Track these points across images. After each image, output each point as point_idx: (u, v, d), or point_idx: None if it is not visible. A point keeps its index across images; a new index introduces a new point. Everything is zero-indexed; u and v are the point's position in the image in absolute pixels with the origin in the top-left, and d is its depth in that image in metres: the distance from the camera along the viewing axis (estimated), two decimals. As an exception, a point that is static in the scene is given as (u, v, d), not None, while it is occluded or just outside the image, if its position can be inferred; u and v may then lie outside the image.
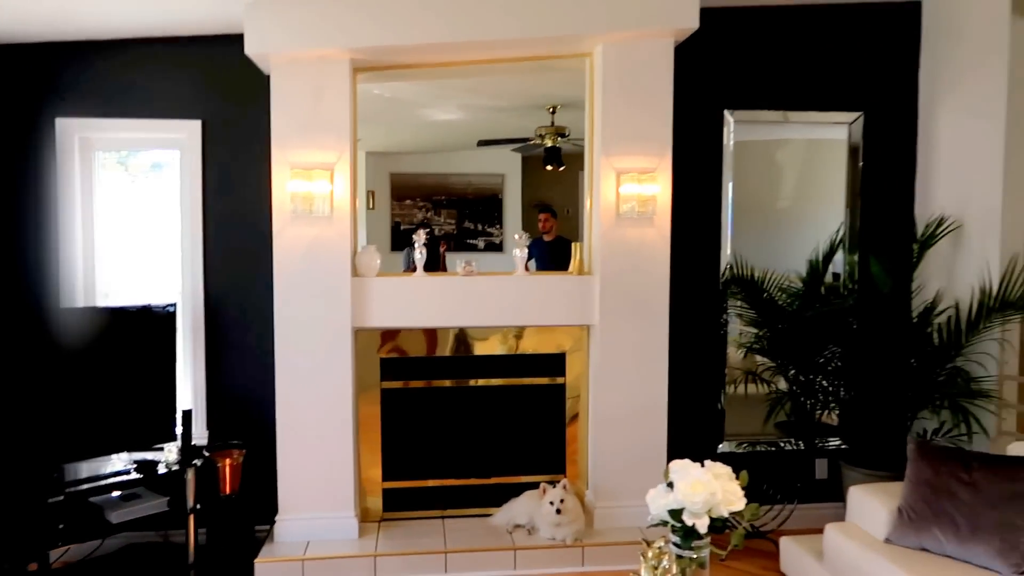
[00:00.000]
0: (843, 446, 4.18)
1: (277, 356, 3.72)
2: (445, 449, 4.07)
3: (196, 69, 3.93)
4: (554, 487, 3.67)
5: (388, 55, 3.83)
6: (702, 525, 1.91)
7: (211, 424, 4.00)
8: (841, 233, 4.19)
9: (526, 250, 3.98)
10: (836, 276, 4.23)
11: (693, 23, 3.63)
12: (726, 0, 3.89)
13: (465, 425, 4.08)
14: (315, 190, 3.67)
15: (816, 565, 3.18)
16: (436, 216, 5.22)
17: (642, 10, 3.64)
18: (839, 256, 4.18)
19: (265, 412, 3.87)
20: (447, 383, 4.04)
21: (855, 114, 4.13)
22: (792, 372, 4.04)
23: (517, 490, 3.96)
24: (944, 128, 3.99)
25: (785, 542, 3.47)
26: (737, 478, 2.05)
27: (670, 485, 2.04)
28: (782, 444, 4.24)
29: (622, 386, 3.87)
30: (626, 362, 3.86)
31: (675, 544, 2.02)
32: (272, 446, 3.78)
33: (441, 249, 4.25)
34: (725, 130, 4.07)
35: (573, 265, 3.98)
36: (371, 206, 4.25)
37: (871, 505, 3.06)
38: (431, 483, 4.06)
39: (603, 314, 3.84)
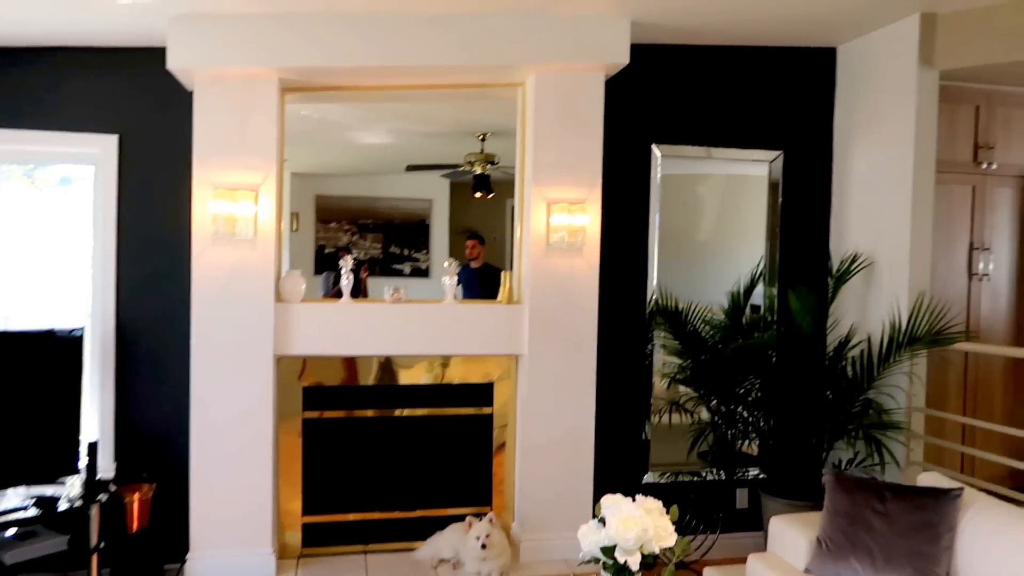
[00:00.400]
0: (763, 476, 4.27)
1: (193, 384, 3.56)
2: (369, 481, 3.96)
3: (114, 81, 3.76)
4: (480, 520, 3.61)
5: (319, 76, 3.76)
6: (634, 562, 1.90)
7: (120, 456, 3.78)
8: (761, 267, 4.32)
9: (456, 278, 3.94)
10: (757, 308, 4.35)
11: (624, 58, 3.71)
12: (655, 37, 3.99)
13: (390, 456, 3.98)
14: (239, 212, 3.55)
15: (738, 595, 3.22)
16: (362, 240, 5.13)
17: (575, 43, 3.69)
18: (760, 289, 4.30)
19: (179, 443, 3.68)
20: (372, 413, 3.95)
21: (775, 152, 4.28)
22: (714, 402, 4.12)
23: (443, 523, 3.88)
24: (857, 169, 4.18)
25: (709, 572, 3.50)
26: (667, 513, 2.05)
27: (602, 521, 2.02)
28: (704, 474, 4.30)
29: (550, 416, 3.86)
30: (554, 392, 3.85)
31: (606, 581, 2.00)
32: (185, 479, 3.60)
33: (363, 275, 4.17)
34: (653, 164, 4.16)
35: (503, 294, 3.96)
36: (295, 228, 4.14)
37: (791, 535, 3.12)
38: (354, 517, 3.94)
39: (532, 344, 3.83)
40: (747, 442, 4.22)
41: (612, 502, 2.02)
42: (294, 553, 3.84)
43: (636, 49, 3.82)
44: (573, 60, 3.72)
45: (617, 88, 3.97)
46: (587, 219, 3.80)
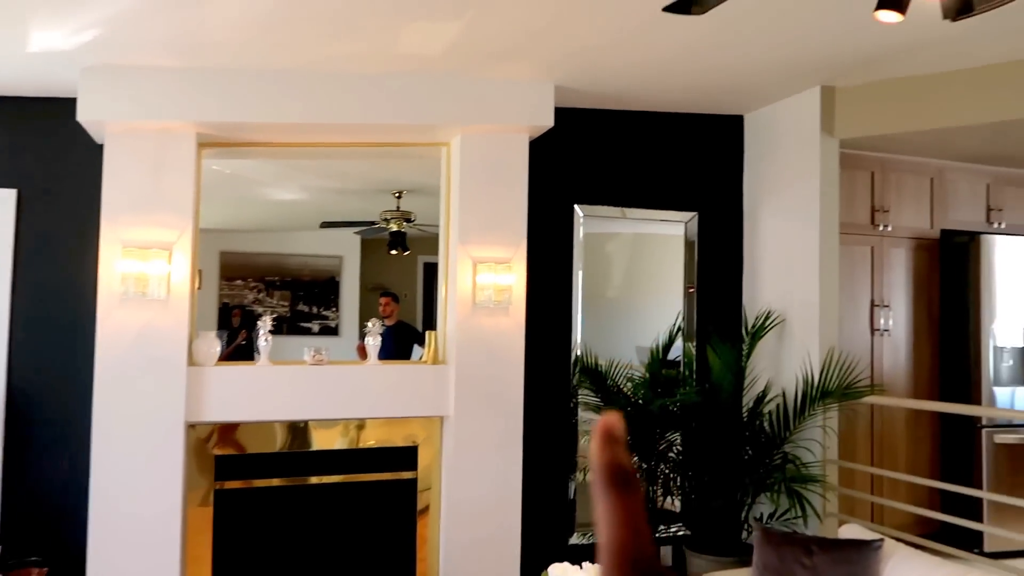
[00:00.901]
0: (686, 533, 4.31)
1: (94, 455, 3.30)
2: (287, 554, 3.75)
3: (14, 133, 3.55)
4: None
5: (239, 132, 3.67)
6: (586, 635, 1.85)
7: (7, 536, 3.44)
8: (679, 323, 4.43)
9: (379, 338, 3.85)
10: (678, 364, 4.44)
11: (548, 121, 3.79)
12: (578, 102, 4.10)
13: (309, 527, 3.79)
14: (150, 271, 3.37)
15: (672, 657, 3.19)
16: (269, 297, 4.99)
17: (502, 106, 3.75)
18: (679, 345, 4.40)
19: (76, 521, 3.39)
20: (289, 481, 3.76)
21: (690, 213, 4.44)
22: (635, 460, 4.15)
23: (364, 595, 3.71)
24: (766, 230, 4.38)
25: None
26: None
27: (549, 592, 1.96)
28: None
29: (477, 478, 3.78)
30: (481, 453, 3.79)
31: (555, 655, 1.94)
32: (82, 562, 3.30)
33: (240, 338, 4.03)
34: (575, 223, 4.23)
35: (428, 354, 3.90)
36: (199, 286, 3.98)
37: (722, 593, 3.14)
38: (269, 592, 3.71)
39: (458, 405, 3.77)
40: (670, 499, 4.26)
41: (561, 571, 1.97)
42: (203, 636, 3.56)
43: (560, 112, 3.91)
44: (500, 122, 3.77)
45: (541, 149, 4.04)
46: (513, 278, 3.82)
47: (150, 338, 3.38)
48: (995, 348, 4.46)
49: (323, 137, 3.90)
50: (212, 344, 3.55)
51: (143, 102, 3.37)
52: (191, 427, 3.51)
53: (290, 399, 3.60)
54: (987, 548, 4.21)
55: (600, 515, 0.39)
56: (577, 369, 4.21)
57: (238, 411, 3.54)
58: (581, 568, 2.01)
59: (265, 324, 3.68)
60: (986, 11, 1.81)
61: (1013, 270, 4.58)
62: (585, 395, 4.21)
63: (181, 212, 3.47)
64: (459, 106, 3.72)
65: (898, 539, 3.12)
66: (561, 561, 2.32)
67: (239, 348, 4.06)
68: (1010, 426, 4.53)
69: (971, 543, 4.24)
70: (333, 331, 5.14)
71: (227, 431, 3.61)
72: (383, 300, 4.56)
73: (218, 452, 3.60)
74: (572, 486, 4.21)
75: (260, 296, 4.86)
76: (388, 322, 4.23)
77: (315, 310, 4.89)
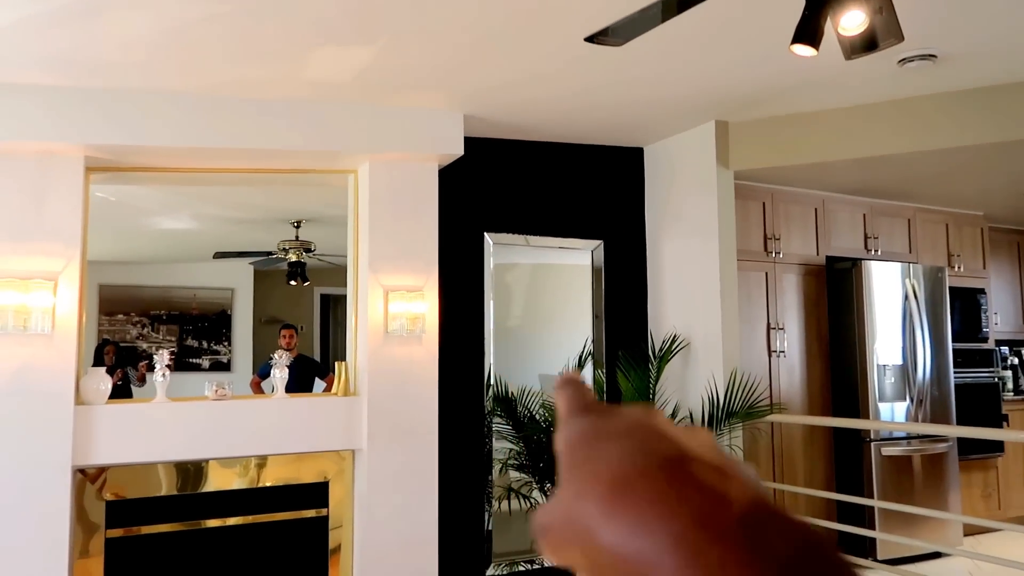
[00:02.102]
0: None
1: (-35, 508, 2.98)
2: (185, 605, 3.49)
3: None
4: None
5: (130, 155, 3.47)
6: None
7: None
8: (588, 348, 4.49)
9: (286, 370, 3.70)
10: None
11: (458, 150, 3.80)
12: (487, 132, 4.14)
13: (214, 572, 3.54)
14: (32, 303, 3.11)
15: None
16: (154, 332, 4.74)
17: (412, 135, 3.73)
18: (588, 370, 4.46)
19: (-59, 582, 3.03)
20: (190, 525, 3.52)
21: (596, 241, 4.54)
22: (548, 486, 4.15)
23: (271, 644, 3.49)
24: (669, 257, 4.53)
25: (562, 664, 3.42)
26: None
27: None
28: (545, 561, 4.26)
29: (391, 512, 3.66)
30: (395, 486, 3.68)
31: None
32: (-51, 627, 2.96)
33: (115, 377, 3.80)
34: (486, 252, 4.23)
35: (338, 386, 3.77)
36: (77, 322, 3.72)
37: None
38: (166, 649, 3.43)
39: (371, 437, 3.65)
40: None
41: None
42: None
43: (469, 141, 3.93)
44: (409, 150, 3.75)
45: (451, 177, 4.04)
46: (426, 306, 3.76)
47: (32, 375, 3.11)
48: (878, 366, 4.76)
49: (223, 163, 3.75)
50: (102, 381, 3.31)
51: (25, 122, 3.14)
52: (79, 471, 3.24)
53: (191, 437, 3.39)
54: (880, 556, 4.44)
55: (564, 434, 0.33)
56: (490, 396, 4.18)
57: (132, 452, 3.29)
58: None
59: (162, 359, 3.46)
60: (886, 48, 1.96)
61: (888, 293, 4.93)
62: (498, 423, 4.19)
63: (67, 240, 3.23)
64: (368, 134, 3.67)
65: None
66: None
67: (116, 388, 3.80)
68: (893, 439, 4.83)
69: (865, 552, 4.47)
70: (225, 366, 4.91)
71: (119, 474, 3.35)
72: (286, 332, 4.42)
73: (110, 497, 3.33)
74: (488, 517, 4.15)
75: (144, 331, 4.60)
76: (293, 354, 4.10)
77: (205, 345, 4.68)
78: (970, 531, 5.27)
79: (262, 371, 4.23)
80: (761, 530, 0.25)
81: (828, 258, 4.95)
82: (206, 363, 4.61)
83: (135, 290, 4.66)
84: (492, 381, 4.20)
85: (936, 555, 4.82)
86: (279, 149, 3.57)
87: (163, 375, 3.42)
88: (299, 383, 3.97)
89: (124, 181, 3.87)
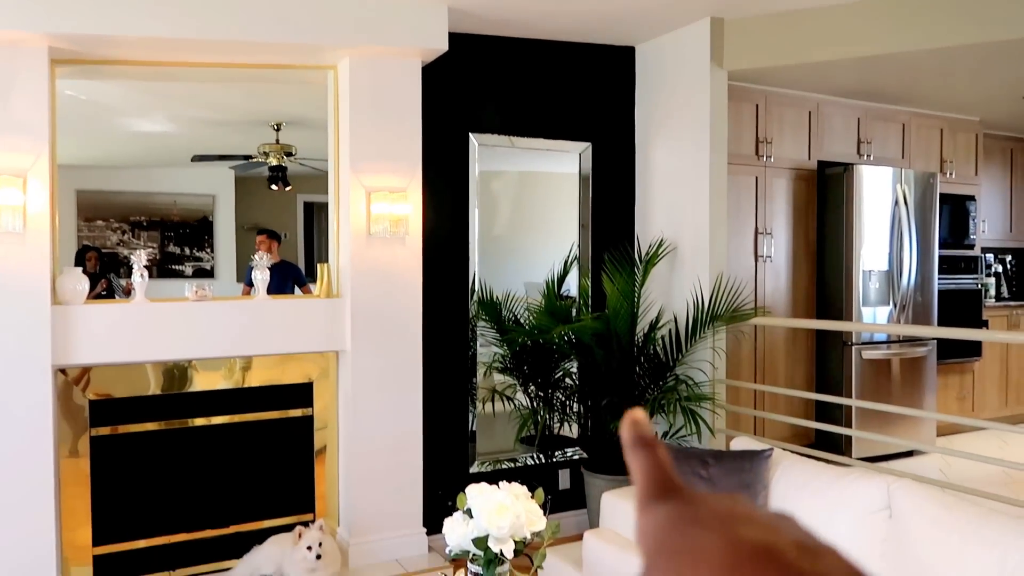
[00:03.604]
0: (583, 456, 4.42)
1: (-53, 406, 2.98)
2: (174, 500, 3.56)
3: None
4: (309, 528, 3.37)
5: (98, 47, 3.31)
6: (508, 550, 1.84)
7: None
8: (573, 254, 4.46)
9: (267, 272, 3.65)
10: (571, 299, 4.49)
11: (442, 44, 3.64)
12: (472, 27, 3.96)
13: (198, 470, 3.60)
14: (1, 200, 3.02)
15: (576, 574, 3.28)
16: (135, 239, 4.68)
17: (392, 27, 3.56)
18: (574, 277, 4.44)
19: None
20: (174, 424, 3.55)
21: (585, 144, 4.43)
22: (532, 388, 4.20)
23: (261, 537, 3.57)
24: (658, 160, 4.44)
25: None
26: (532, 496, 2.02)
27: (468, 512, 1.94)
28: (527, 459, 4.36)
29: (376, 413, 3.70)
30: (380, 388, 3.70)
31: (476, 574, 1.92)
32: (-60, 521, 3.00)
33: (100, 286, 3.74)
34: (470, 153, 4.13)
35: (321, 288, 3.74)
36: (54, 226, 3.64)
37: (624, 509, 3.23)
38: (157, 541, 3.51)
39: (355, 339, 3.65)
40: (566, 424, 4.35)
41: (478, 492, 1.95)
42: (85, 592, 3.35)
43: (454, 38, 3.76)
44: (390, 44, 3.58)
45: (435, 76, 3.89)
46: (409, 208, 3.69)
47: (5, 275, 3.05)
48: (863, 272, 4.77)
49: (196, 57, 3.58)
50: (79, 281, 3.25)
51: (-18, 7, 2.96)
52: (60, 371, 3.23)
53: (172, 338, 3.37)
54: (855, 454, 4.57)
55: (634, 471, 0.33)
56: (475, 301, 4.17)
57: (113, 352, 3.28)
58: (499, 487, 1.99)
59: (140, 259, 3.39)
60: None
61: (879, 198, 4.89)
62: (483, 327, 4.19)
63: (34, 136, 3.11)
64: (346, 25, 3.50)
65: (783, 450, 3.30)
66: (462, 489, 2.29)
67: (100, 298, 3.75)
68: (874, 343, 4.89)
69: (841, 450, 4.59)
70: (208, 273, 4.86)
71: (100, 374, 3.34)
72: (259, 238, 4.33)
73: (92, 397, 3.34)
74: (472, 418, 4.21)
75: (124, 238, 4.53)
76: (271, 259, 4.04)
77: (188, 251, 4.62)
78: (943, 431, 5.43)
79: (248, 277, 4.18)
80: None
81: (820, 163, 4.87)
82: (189, 270, 4.55)
83: (114, 196, 4.55)
84: (477, 286, 4.17)
85: (910, 454, 4.98)
86: (254, 41, 3.40)
87: (141, 276, 3.36)
88: (281, 289, 3.92)
89: (93, 76, 3.70)
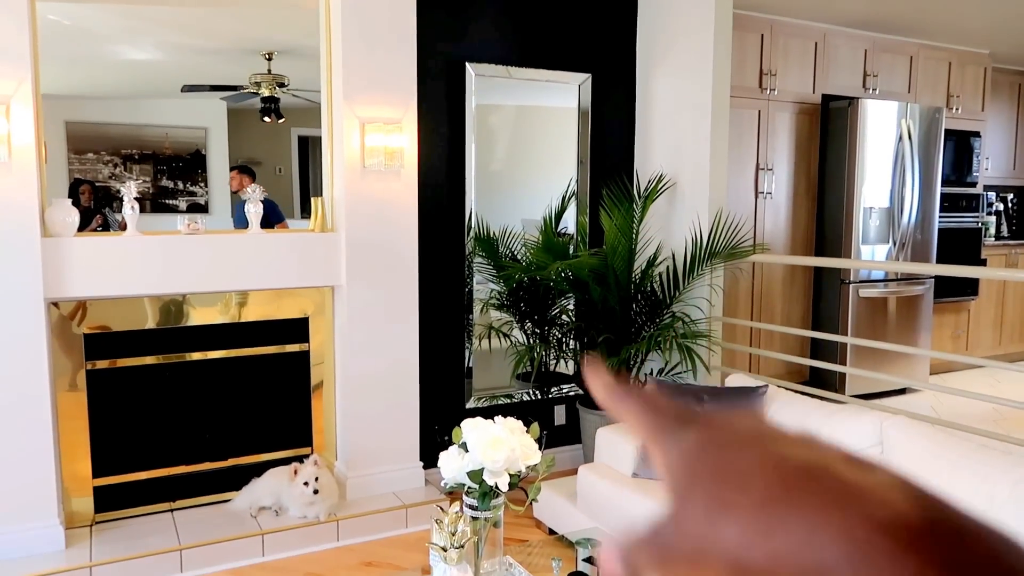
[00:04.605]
0: (579, 392, 4.44)
1: (-61, 339, 2.95)
2: (172, 433, 3.58)
3: None
4: (305, 464, 3.40)
5: (78, -32, 3.17)
6: (503, 483, 1.85)
7: None
8: (571, 190, 4.39)
9: (260, 205, 3.59)
10: (568, 236, 4.44)
11: (437, -33, 3.50)
12: (467, -52, 3.80)
13: (195, 404, 3.61)
14: (-17, 129, 2.93)
15: (570, 507, 3.33)
16: (126, 172, 4.60)
17: (385, -53, 3.41)
18: (572, 213, 4.38)
19: (-75, 411, 3.06)
20: (171, 358, 3.54)
21: (584, 75, 4.31)
22: (528, 325, 4.19)
23: (259, 470, 3.62)
24: (659, 93, 4.33)
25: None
26: (528, 431, 2.02)
27: (463, 446, 1.94)
28: (523, 396, 4.38)
29: (372, 348, 3.69)
30: (375, 323, 3.68)
31: (471, 507, 1.94)
32: (-62, 452, 3.01)
33: (96, 221, 3.67)
34: (467, 83, 4.02)
35: (315, 222, 3.68)
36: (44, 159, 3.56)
37: (618, 444, 3.27)
38: (156, 473, 3.55)
39: (350, 274, 3.62)
40: (562, 361, 4.36)
41: (473, 425, 1.94)
42: (86, 520, 3.39)
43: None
44: (383, -35, 3.44)
45: (430, 2, 3.75)
46: (405, 139, 3.61)
47: (-7, 207, 2.98)
48: (864, 209, 4.72)
49: (181, -21, 3.44)
50: (69, 213, 3.19)
51: (-46, -76, 2.82)
52: (53, 305, 3.20)
53: (164, 272, 3.33)
54: (848, 391, 4.60)
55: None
56: (471, 237, 4.12)
57: (106, 286, 3.24)
58: (494, 421, 1.98)
59: (130, 190, 3.33)
60: None
61: (882, 134, 4.80)
62: (480, 263, 4.16)
63: (15, 60, 3.00)
64: (338, -54, 3.35)
65: (778, 387, 3.32)
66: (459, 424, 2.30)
67: (95, 232, 3.69)
68: (871, 281, 4.88)
69: (835, 387, 4.63)
70: (203, 208, 4.81)
71: (95, 308, 3.32)
72: (232, 174, 4.23)
73: (87, 331, 3.32)
74: (469, 354, 4.21)
75: (116, 171, 4.45)
76: (242, 195, 3.97)
77: (181, 186, 4.54)
78: (937, 369, 5.46)
79: (238, 214, 4.10)
80: (954, 541, 0.23)
81: (824, 96, 4.76)
82: (183, 204, 4.48)
83: (104, 127, 4.44)
84: (474, 222, 4.12)
85: (903, 391, 5.02)
86: (241, -36, 3.26)
87: (132, 208, 3.30)
88: (262, 225, 3.85)
89: (75, -1, 3.57)
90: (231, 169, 4.23)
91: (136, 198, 3.36)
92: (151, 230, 3.43)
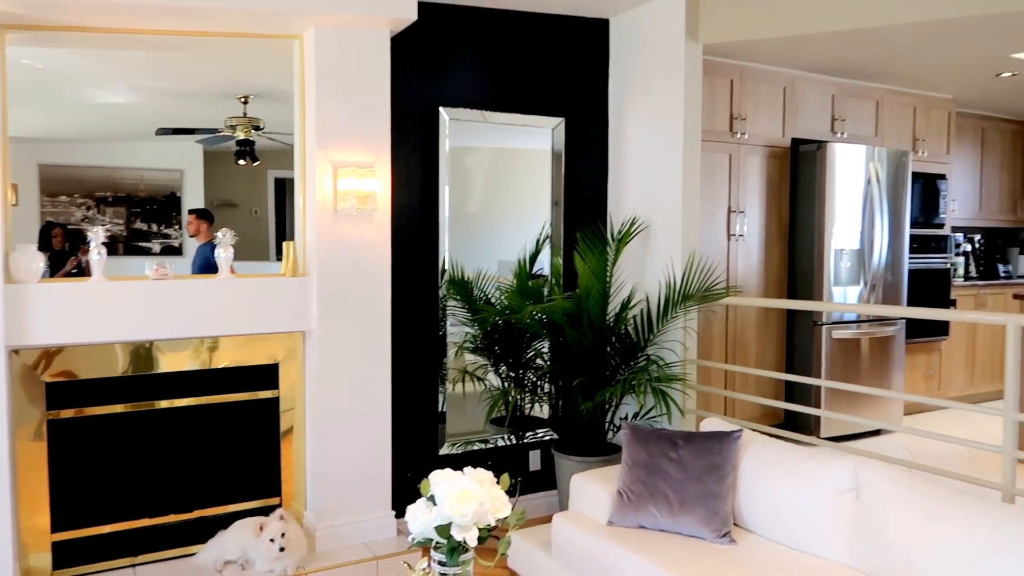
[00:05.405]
0: (554, 436, 4.39)
1: None
2: (135, 485, 3.47)
3: None
4: (270, 518, 3.29)
5: (48, 11, 3.16)
6: (472, 538, 1.80)
7: None
8: (546, 232, 4.40)
9: (230, 249, 3.55)
10: (543, 278, 4.43)
11: (411, 14, 3.53)
12: (441, -4, 3.85)
13: (160, 454, 3.52)
14: (-54, 174, 2.88)
15: (545, 556, 3.26)
16: (100, 215, 4.55)
17: (358, -5, 3.44)
18: (546, 255, 4.38)
19: None
20: (135, 407, 3.45)
21: (558, 119, 4.35)
22: (503, 369, 4.15)
23: (226, 521, 3.51)
24: (631, 136, 4.38)
25: (514, 537, 3.51)
26: (498, 482, 1.97)
27: (431, 499, 1.89)
28: (497, 440, 4.32)
29: (344, 394, 3.63)
30: (347, 368, 3.63)
31: (439, 563, 1.88)
32: None
33: (70, 264, 3.61)
34: (441, 128, 4.03)
35: (286, 266, 3.64)
36: (14, 202, 3.51)
37: (593, 491, 3.21)
38: (119, 527, 3.43)
39: (321, 318, 3.57)
40: (537, 405, 4.32)
41: (442, 478, 1.90)
42: (44, 578, 3.27)
43: (423, 7, 3.66)
44: (357, 12, 3.46)
45: (405, 48, 3.79)
46: (378, 184, 3.60)
47: (-47, 253, 2.92)
48: (835, 251, 4.77)
49: (153, 23, 3.45)
50: (33, 259, 3.13)
51: (-79, -30, 2.80)
52: (14, 352, 3.12)
53: (133, 318, 3.26)
54: (823, 433, 4.60)
55: None
56: (445, 280, 4.10)
57: (70, 333, 3.17)
58: (464, 473, 1.94)
59: (97, 236, 3.28)
60: None
61: (851, 177, 4.88)
62: (454, 307, 4.13)
63: (-18, 106, 2.97)
64: (311, -8, 3.37)
65: (752, 430, 3.30)
66: (432, 471, 2.24)
67: (69, 276, 3.63)
68: (844, 322, 4.91)
69: (810, 430, 4.62)
70: (177, 251, 4.76)
71: (62, 355, 3.23)
72: (189, 218, 4.18)
73: (50, 379, 3.23)
74: (442, 399, 4.16)
75: (90, 214, 4.39)
76: (201, 240, 3.94)
77: (155, 228, 4.49)
78: (910, 410, 5.48)
79: (198, 261, 4.02)
80: None
81: (793, 140, 4.84)
82: (157, 247, 4.43)
83: (77, 170, 4.40)
84: (448, 265, 4.10)
85: (877, 432, 5.02)
86: (211, 6, 3.27)
87: (99, 253, 3.25)
88: (204, 271, 3.81)
89: (47, 43, 3.55)
90: (188, 213, 4.18)
91: (105, 242, 3.31)
92: (125, 274, 3.37)
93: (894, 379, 5.14)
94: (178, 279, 3.41)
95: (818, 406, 4.61)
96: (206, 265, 3.74)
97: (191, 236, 3.92)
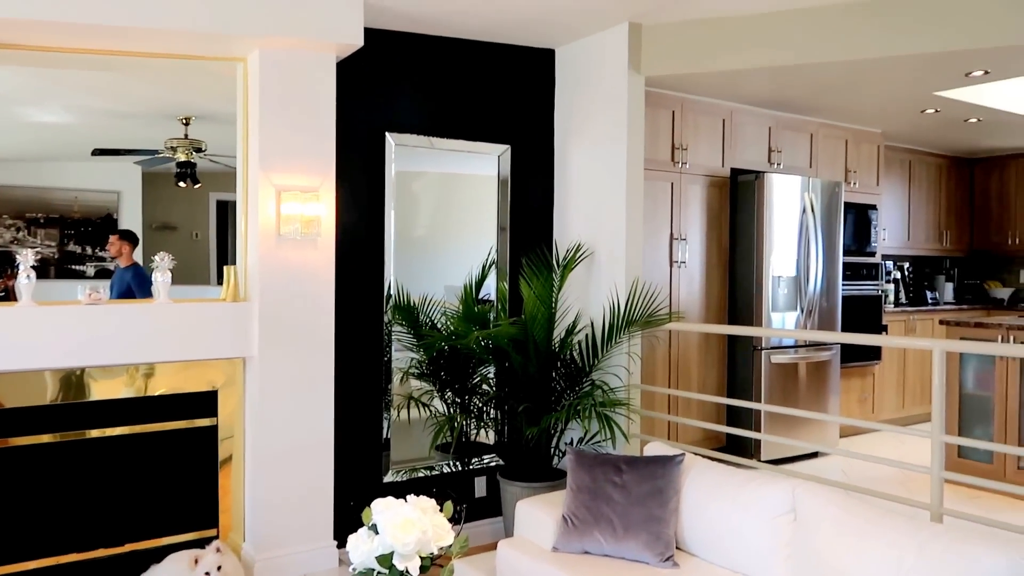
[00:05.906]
0: (500, 462, 4.37)
1: None
2: (64, 517, 3.33)
3: None
4: (206, 551, 3.19)
5: (-17, 30, 3.07)
6: (414, 568, 1.77)
7: None
8: (492, 258, 4.42)
9: (169, 274, 3.47)
10: (489, 303, 4.44)
11: (357, 40, 3.54)
12: (389, 23, 3.87)
13: (90, 485, 3.38)
14: None
15: (490, 583, 3.23)
16: (31, 236, 4.41)
17: (304, 18, 3.43)
18: (492, 281, 4.39)
19: None
20: (69, 436, 3.32)
21: (504, 146, 4.39)
22: (449, 395, 4.13)
23: (159, 555, 3.38)
24: (576, 164, 4.44)
25: (459, 566, 3.47)
26: (441, 510, 1.96)
27: (373, 528, 1.86)
28: (442, 467, 4.29)
29: (285, 422, 3.56)
30: (289, 395, 3.56)
31: (381, 593, 1.85)
32: None
33: (1, 285, 3.49)
34: (387, 153, 4.03)
35: (226, 291, 3.57)
36: (-61, 222, 3.39)
37: (537, 517, 3.21)
38: (45, 563, 3.28)
39: (263, 344, 3.51)
40: (483, 431, 4.30)
41: (384, 505, 1.87)
42: (-39, 619, 3.10)
43: (371, 33, 3.67)
44: (302, 36, 3.45)
45: (351, 73, 3.79)
46: (322, 208, 3.57)
47: None
48: (773, 277, 4.90)
49: (90, 42, 3.38)
50: (-44, 283, 3.00)
51: None
52: (-67, 381, 2.98)
53: (64, 344, 3.15)
54: (763, 456, 4.69)
55: None
56: (390, 305, 4.08)
57: (-5, 360, 3.04)
58: (406, 501, 1.92)
59: (26, 259, 3.17)
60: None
61: (787, 206, 5.04)
62: (399, 332, 4.10)
63: (-95, 123, 2.85)
64: (254, 14, 3.35)
65: (695, 454, 3.35)
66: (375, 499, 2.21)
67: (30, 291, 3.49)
68: (782, 347, 5.04)
69: (750, 453, 4.70)
70: (111, 274, 4.64)
71: (-18, 384, 3.10)
72: (111, 239, 4.07)
73: (-29, 408, 3.09)
74: (387, 425, 4.11)
75: (19, 235, 4.25)
76: (123, 264, 3.84)
77: (89, 251, 4.36)
78: (846, 432, 5.64)
79: (115, 286, 3.90)
80: None
81: (733, 170, 4.98)
82: (91, 270, 4.30)
83: (7, 190, 4.26)
84: (393, 290, 4.08)
85: (815, 454, 5.15)
86: (162, 28, 3.22)
87: (28, 276, 3.14)
88: (139, 294, 3.71)
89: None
90: (111, 234, 4.06)
91: (35, 265, 3.20)
92: (53, 299, 3.26)
93: (830, 402, 5.29)
94: (112, 304, 3.31)
95: (758, 430, 4.70)
96: (127, 290, 3.63)
97: (112, 258, 3.82)
